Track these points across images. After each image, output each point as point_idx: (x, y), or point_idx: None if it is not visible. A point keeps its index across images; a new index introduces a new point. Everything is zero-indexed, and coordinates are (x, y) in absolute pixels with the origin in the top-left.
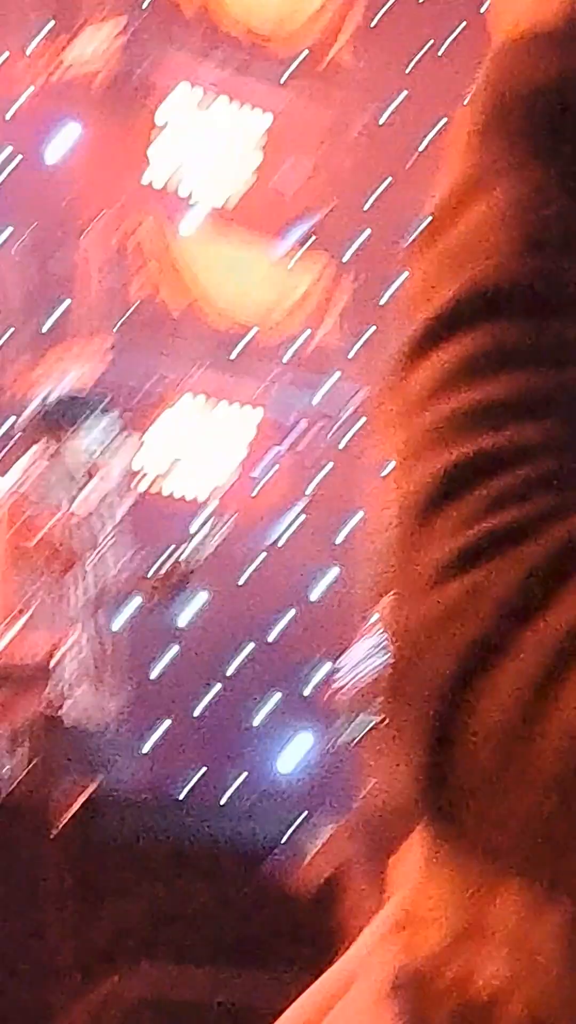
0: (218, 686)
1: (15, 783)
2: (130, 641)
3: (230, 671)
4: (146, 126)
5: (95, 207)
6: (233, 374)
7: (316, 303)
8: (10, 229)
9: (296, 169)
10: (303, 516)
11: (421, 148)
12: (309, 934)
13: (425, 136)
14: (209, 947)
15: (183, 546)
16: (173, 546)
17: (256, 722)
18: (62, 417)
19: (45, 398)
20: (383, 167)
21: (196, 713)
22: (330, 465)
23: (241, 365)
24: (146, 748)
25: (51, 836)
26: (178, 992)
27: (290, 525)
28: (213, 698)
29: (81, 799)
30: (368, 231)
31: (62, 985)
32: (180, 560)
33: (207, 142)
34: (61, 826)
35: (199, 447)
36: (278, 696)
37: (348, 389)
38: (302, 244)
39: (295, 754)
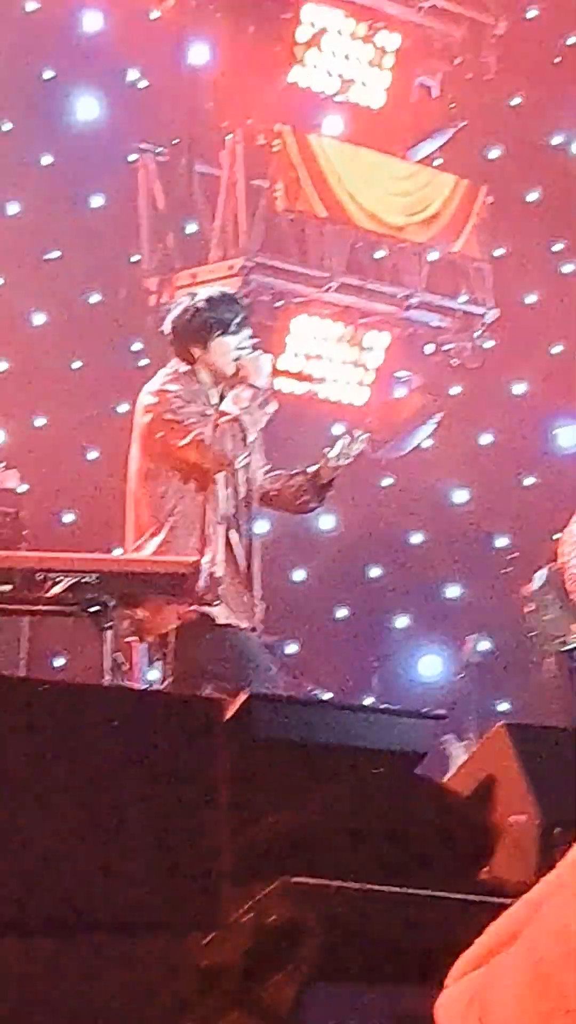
0: (359, 592)
1: (166, 682)
2: (273, 546)
3: (370, 576)
4: (291, 28)
5: (238, 113)
6: (369, 291)
7: (451, 218)
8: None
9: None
10: (432, 439)
11: (556, 60)
12: (461, 841)
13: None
14: (360, 859)
15: (327, 451)
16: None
17: (395, 628)
18: (210, 317)
19: (192, 302)
20: (515, 82)
21: (340, 615)
22: (459, 387)
23: (378, 276)
24: (290, 649)
25: (212, 733)
26: (330, 907)
27: (421, 443)
28: (354, 603)
29: (239, 699)
30: (501, 148)
31: (222, 891)
32: (326, 465)
33: (351, 44)
34: (218, 726)
35: (338, 356)
36: (413, 607)
37: (480, 307)
38: (436, 158)
39: (435, 660)
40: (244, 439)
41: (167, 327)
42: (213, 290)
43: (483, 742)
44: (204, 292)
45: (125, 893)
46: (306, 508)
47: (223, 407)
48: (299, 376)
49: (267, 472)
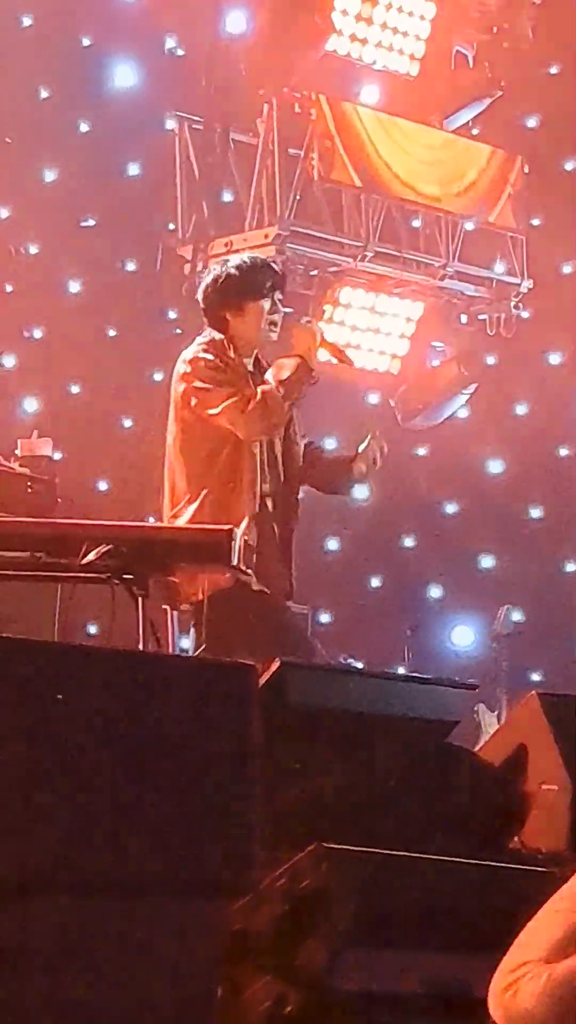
0: (392, 562)
1: (199, 650)
2: (306, 516)
3: (404, 546)
4: None
5: (275, 81)
6: (403, 261)
7: (487, 188)
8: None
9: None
10: (467, 408)
11: None
12: (492, 809)
13: None
14: (392, 825)
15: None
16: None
17: (428, 598)
18: (243, 283)
19: (224, 268)
20: (553, 51)
21: (373, 585)
22: (494, 357)
23: (413, 246)
24: (323, 619)
25: (245, 700)
26: (362, 873)
27: (455, 412)
28: (387, 573)
29: (272, 667)
30: (539, 117)
31: (256, 856)
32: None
33: (388, 13)
34: (251, 693)
35: (372, 325)
36: (446, 576)
37: (515, 277)
38: (472, 128)
39: (468, 630)
40: (283, 409)
41: (200, 295)
42: (245, 256)
43: (515, 711)
44: (236, 259)
45: (159, 857)
46: (336, 492)
47: (266, 376)
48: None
49: (306, 445)
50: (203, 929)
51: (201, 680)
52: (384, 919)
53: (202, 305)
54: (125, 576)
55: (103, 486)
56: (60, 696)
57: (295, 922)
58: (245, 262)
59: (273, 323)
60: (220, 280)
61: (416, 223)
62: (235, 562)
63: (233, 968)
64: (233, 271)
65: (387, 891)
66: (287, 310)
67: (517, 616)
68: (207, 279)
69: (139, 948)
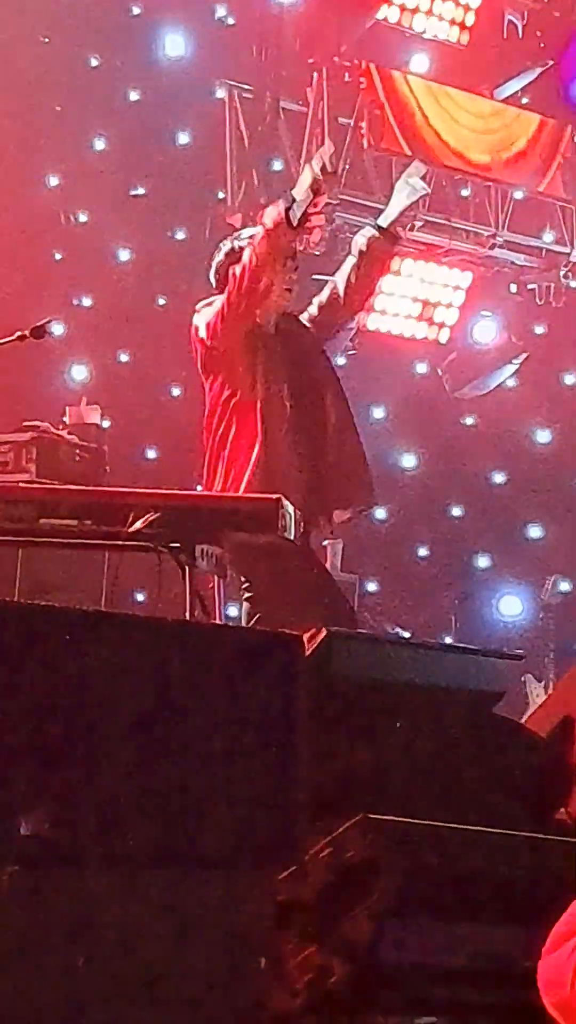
0: (440, 531)
1: (253, 620)
2: None
3: (451, 515)
4: None
5: (325, 50)
6: (453, 229)
7: (537, 157)
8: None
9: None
10: (515, 378)
11: None
12: (538, 780)
13: None
14: (437, 797)
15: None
16: None
17: (475, 568)
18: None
19: (234, 243)
20: None
21: (421, 554)
22: (543, 326)
23: (462, 215)
24: (371, 588)
25: (291, 670)
26: (407, 845)
27: (503, 382)
28: (435, 542)
29: (319, 637)
30: None
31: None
32: None
33: None
34: (298, 662)
35: (421, 294)
36: (494, 546)
37: (565, 247)
38: (523, 96)
39: (515, 600)
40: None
41: (213, 273)
42: (258, 229)
43: (561, 682)
44: (247, 231)
45: (204, 828)
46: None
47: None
48: (382, 313)
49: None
50: (248, 900)
51: (247, 650)
52: (429, 891)
53: (217, 278)
54: (172, 544)
55: (151, 454)
56: (108, 664)
57: (340, 893)
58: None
59: (289, 289)
60: (236, 253)
61: (465, 192)
62: (281, 531)
63: (278, 939)
64: (247, 244)
65: (432, 863)
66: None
67: (565, 586)
68: (218, 257)
69: (185, 919)
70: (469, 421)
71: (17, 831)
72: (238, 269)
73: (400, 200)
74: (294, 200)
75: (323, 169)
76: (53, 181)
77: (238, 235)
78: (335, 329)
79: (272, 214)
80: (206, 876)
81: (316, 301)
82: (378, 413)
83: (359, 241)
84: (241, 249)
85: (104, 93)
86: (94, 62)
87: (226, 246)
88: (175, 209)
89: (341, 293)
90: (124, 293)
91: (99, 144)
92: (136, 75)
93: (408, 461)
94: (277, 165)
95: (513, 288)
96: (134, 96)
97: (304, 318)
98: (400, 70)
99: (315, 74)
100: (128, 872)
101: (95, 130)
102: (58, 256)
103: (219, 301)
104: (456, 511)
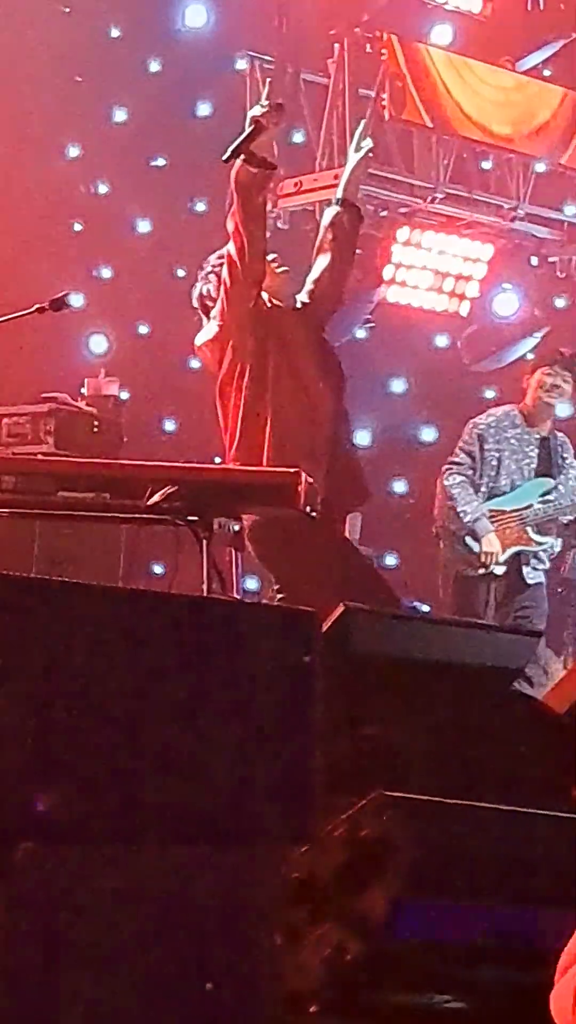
0: None
1: (264, 592)
2: (374, 458)
3: None
4: None
5: (346, 21)
6: (474, 202)
7: (559, 129)
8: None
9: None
10: (534, 353)
11: None
12: (556, 758)
13: None
14: (455, 774)
15: None
16: None
17: None
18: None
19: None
20: None
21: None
22: (564, 300)
23: (483, 187)
24: (390, 562)
25: (308, 646)
26: (423, 822)
27: (524, 355)
28: None
29: (336, 612)
30: None
31: (316, 804)
32: None
33: None
34: (314, 638)
35: (442, 267)
36: None
37: None
38: (544, 68)
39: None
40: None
41: (196, 301)
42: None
43: None
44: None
45: (219, 804)
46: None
47: None
48: (402, 285)
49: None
50: (264, 877)
51: (261, 625)
52: (445, 868)
53: (201, 302)
54: (189, 518)
55: (170, 426)
56: (123, 640)
57: (355, 870)
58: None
59: (285, 270)
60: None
61: (487, 164)
62: (300, 504)
63: (293, 916)
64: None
65: (448, 840)
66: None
67: None
68: (198, 287)
69: (199, 895)
70: (489, 394)
71: (32, 807)
72: (231, 248)
73: (351, 162)
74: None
75: (262, 107)
76: (73, 152)
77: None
78: (329, 308)
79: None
80: (221, 853)
81: (308, 281)
82: (398, 386)
83: (325, 218)
84: (217, 265)
85: (125, 64)
86: (115, 33)
87: (200, 280)
88: (195, 180)
89: (323, 271)
90: (143, 265)
91: (119, 115)
92: (157, 46)
93: (428, 434)
94: (298, 137)
95: (534, 261)
96: (155, 67)
97: (300, 300)
98: (422, 41)
99: (336, 45)
100: (143, 848)
101: (115, 101)
102: (78, 227)
103: (222, 293)
104: None
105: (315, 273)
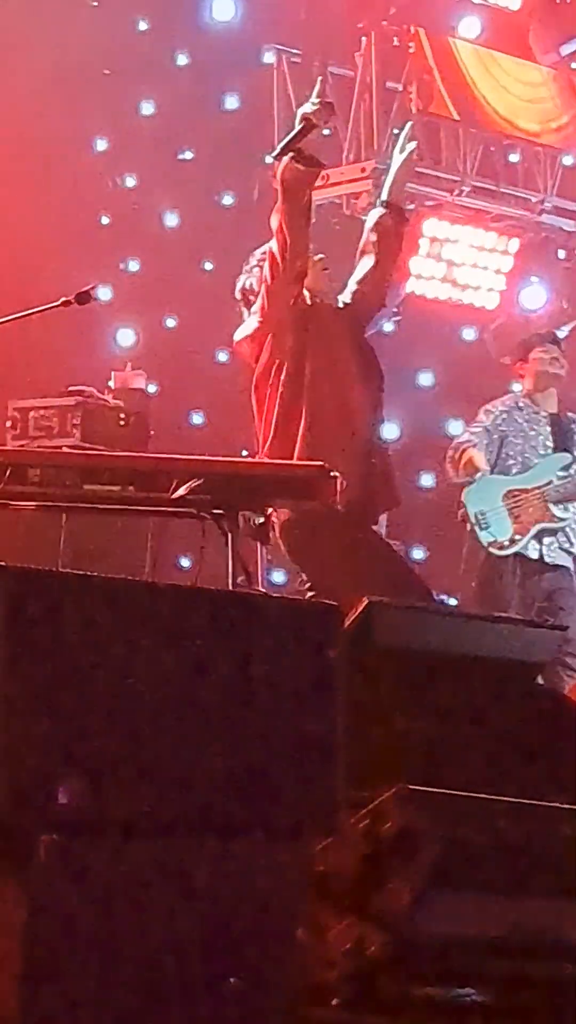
0: None
1: (291, 585)
2: (402, 451)
3: None
4: None
5: (374, 14)
6: (501, 195)
7: None
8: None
9: None
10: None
11: None
12: None
13: None
14: (478, 767)
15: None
16: None
17: None
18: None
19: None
20: None
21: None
22: None
23: (511, 181)
24: (417, 555)
25: (332, 640)
26: (446, 816)
27: None
28: None
29: (359, 606)
30: None
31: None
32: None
33: None
34: (338, 632)
35: (468, 260)
36: None
37: None
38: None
39: None
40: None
41: (239, 293)
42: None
43: None
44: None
45: (243, 798)
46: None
47: None
48: (429, 279)
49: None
50: (286, 870)
51: (285, 620)
52: (467, 862)
53: (243, 294)
54: (215, 511)
55: (197, 419)
56: (148, 634)
57: (378, 864)
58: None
59: (325, 269)
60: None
61: (514, 157)
62: (327, 498)
63: (315, 909)
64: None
65: (471, 834)
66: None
67: None
68: (242, 280)
69: (222, 888)
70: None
71: (54, 800)
72: (274, 245)
73: (395, 163)
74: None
75: (313, 105)
76: (101, 145)
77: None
78: (371, 310)
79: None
80: (243, 846)
81: (351, 282)
82: (425, 379)
83: (369, 220)
84: (262, 260)
85: (152, 57)
86: (143, 26)
87: (243, 274)
88: (223, 174)
89: (367, 273)
90: (171, 258)
91: (147, 108)
92: (184, 39)
93: (455, 428)
94: (325, 130)
95: (562, 254)
96: (182, 60)
97: (343, 300)
98: (449, 35)
99: (363, 39)
100: (165, 842)
101: (143, 94)
102: (105, 220)
103: (263, 290)
104: None
105: (358, 274)
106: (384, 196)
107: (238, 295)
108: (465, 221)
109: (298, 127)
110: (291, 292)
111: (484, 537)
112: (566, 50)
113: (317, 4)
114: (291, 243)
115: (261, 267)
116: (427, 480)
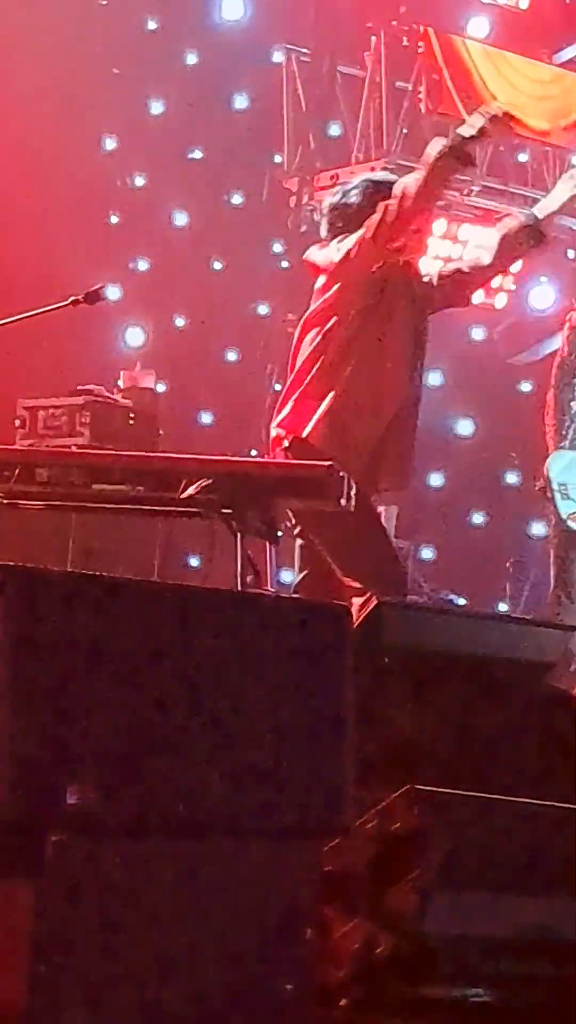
0: (496, 498)
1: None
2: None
3: (507, 482)
4: None
5: (383, 14)
6: (510, 195)
7: None
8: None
9: None
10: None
11: None
12: None
13: None
14: (487, 768)
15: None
16: None
17: (531, 535)
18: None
19: (356, 183)
20: None
21: (476, 521)
22: None
23: (520, 180)
24: (426, 555)
25: (341, 640)
26: (454, 816)
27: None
28: (491, 509)
29: (368, 606)
30: None
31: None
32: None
33: None
34: (347, 632)
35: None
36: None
37: None
38: None
39: None
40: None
41: (325, 221)
42: (362, 178)
43: None
44: (361, 176)
45: (251, 798)
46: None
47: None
48: None
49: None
50: (295, 870)
51: (295, 620)
52: (475, 862)
53: (330, 222)
54: (224, 511)
55: (206, 419)
56: (157, 635)
57: (386, 864)
58: (369, 185)
59: (436, 256)
60: (357, 191)
61: (523, 157)
62: (336, 497)
63: (324, 909)
64: (370, 185)
65: (479, 834)
66: None
67: None
68: (336, 198)
69: (231, 889)
70: (526, 387)
71: (63, 800)
72: (392, 203)
73: (562, 192)
74: (461, 138)
75: (494, 117)
76: (110, 144)
77: (344, 183)
78: (453, 301)
79: (437, 146)
80: (253, 846)
81: (453, 265)
82: (434, 379)
83: (508, 222)
84: (367, 191)
85: (161, 56)
86: (152, 25)
87: (340, 189)
88: (232, 173)
89: (474, 268)
90: (180, 257)
91: (156, 107)
92: (194, 38)
93: (464, 427)
94: (334, 129)
95: (571, 254)
96: (191, 59)
97: (431, 276)
98: (459, 34)
99: (373, 38)
100: (174, 842)
101: (152, 93)
102: (114, 220)
103: (352, 236)
104: (512, 478)
105: (465, 265)
106: (539, 213)
107: (325, 209)
108: (474, 221)
109: (475, 130)
110: (379, 255)
111: (566, 507)
112: (572, 52)
113: (326, 3)
114: (405, 214)
115: (367, 194)
116: (436, 479)
